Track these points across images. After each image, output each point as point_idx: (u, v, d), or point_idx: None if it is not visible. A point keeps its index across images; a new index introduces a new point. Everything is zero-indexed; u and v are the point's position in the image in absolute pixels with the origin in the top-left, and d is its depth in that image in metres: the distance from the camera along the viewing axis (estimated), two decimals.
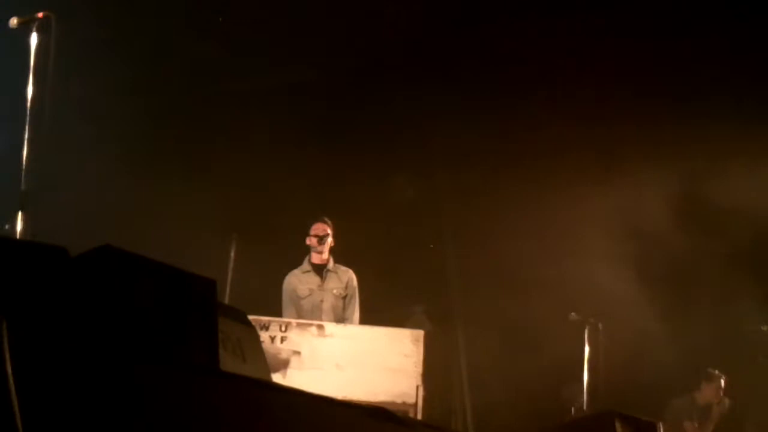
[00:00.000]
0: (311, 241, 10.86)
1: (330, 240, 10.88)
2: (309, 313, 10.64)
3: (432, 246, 14.44)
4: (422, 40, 13.60)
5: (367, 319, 10.84)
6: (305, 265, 10.96)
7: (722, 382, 12.76)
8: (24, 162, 7.51)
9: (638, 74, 13.40)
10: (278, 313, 10.47)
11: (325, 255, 10.88)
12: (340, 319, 10.69)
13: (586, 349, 12.12)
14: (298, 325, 9.75)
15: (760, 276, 13.40)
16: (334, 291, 10.83)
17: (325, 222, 10.91)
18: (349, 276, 10.92)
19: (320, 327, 9.75)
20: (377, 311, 11.23)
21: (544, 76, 13.52)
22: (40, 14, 7.72)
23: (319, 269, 10.90)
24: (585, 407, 11.94)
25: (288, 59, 13.53)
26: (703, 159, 12.93)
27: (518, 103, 13.48)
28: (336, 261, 10.96)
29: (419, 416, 9.35)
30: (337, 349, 9.59)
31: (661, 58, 13.41)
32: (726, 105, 12.84)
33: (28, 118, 7.61)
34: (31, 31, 7.75)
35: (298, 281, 10.89)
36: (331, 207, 11.86)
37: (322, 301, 10.77)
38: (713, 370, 12.80)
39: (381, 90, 13.61)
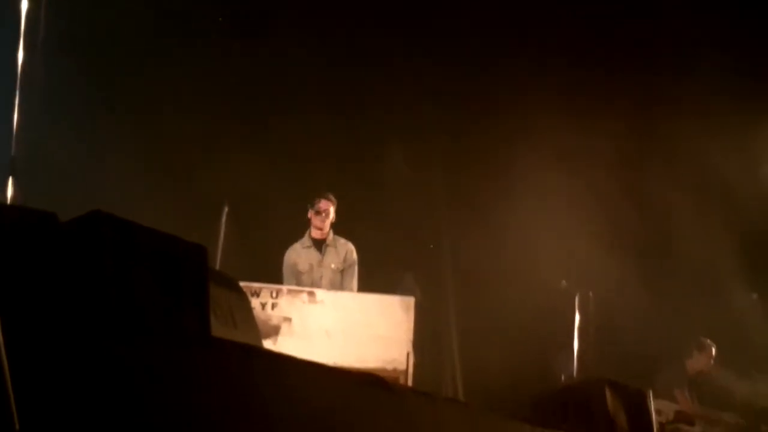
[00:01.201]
0: (313, 217, 10.85)
1: (332, 216, 10.89)
2: (308, 287, 10.65)
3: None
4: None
5: (358, 287, 10.85)
6: (306, 240, 10.96)
7: (713, 351, 12.79)
8: (14, 128, 7.49)
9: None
10: (270, 281, 10.46)
11: (326, 230, 10.89)
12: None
13: (577, 317, 12.15)
14: (289, 292, 9.75)
15: (750, 244, 13.44)
16: (332, 266, 10.84)
17: (329, 199, 10.90)
18: (347, 248, 10.93)
19: (311, 294, 9.74)
20: (368, 278, 11.23)
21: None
22: None
23: (319, 244, 10.90)
24: (575, 375, 11.97)
25: (279, 27, 13.50)
26: (695, 126, 12.93)
27: (508, 64, 13.50)
28: (335, 233, 10.96)
29: (410, 383, 9.37)
30: (328, 316, 9.59)
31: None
32: (710, 68, 12.91)
33: (18, 85, 7.59)
34: None
35: (298, 256, 10.90)
36: (321, 173, 11.85)
37: (321, 277, 10.78)
38: (705, 339, 12.82)
39: (375, 54, 13.59)
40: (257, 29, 13.48)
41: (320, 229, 10.85)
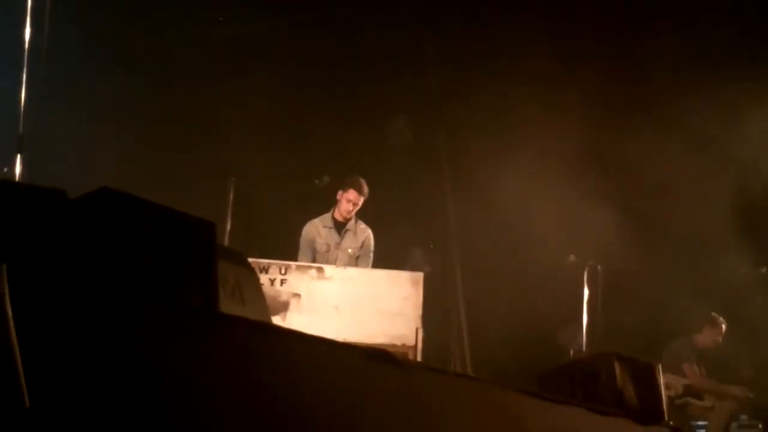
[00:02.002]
0: (343, 201, 10.87)
1: (360, 204, 10.95)
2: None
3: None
4: None
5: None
6: (327, 219, 11.00)
7: (723, 327, 12.80)
8: (22, 105, 7.49)
9: None
10: (278, 257, 10.49)
11: (351, 217, 10.95)
12: None
13: (585, 291, 12.15)
14: (298, 267, 9.77)
15: (759, 219, 13.42)
16: (349, 251, 10.90)
17: (363, 193, 10.92)
18: (366, 235, 11.00)
19: (320, 270, 9.76)
20: (377, 254, 11.24)
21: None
22: None
23: (340, 226, 10.94)
24: (584, 349, 11.98)
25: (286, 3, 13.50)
26: (703, 102, 12.91)
27: (510, 27, 13.52)
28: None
29: (419, 358, 9.39)
30: (337, 292, 9.61)
31: None
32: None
33: (26, 61, 7.58)
34: None
35: (317, 234, 10.95)
36: (329, 147, 11.85)
37: (336, 259, 10.83)
38: (717, 315, 12.83)
39: (378, 26, 13.58)
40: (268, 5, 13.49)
41: (347, 214, 10.91)
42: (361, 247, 10.96)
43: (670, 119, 13.17)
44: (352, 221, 10.99)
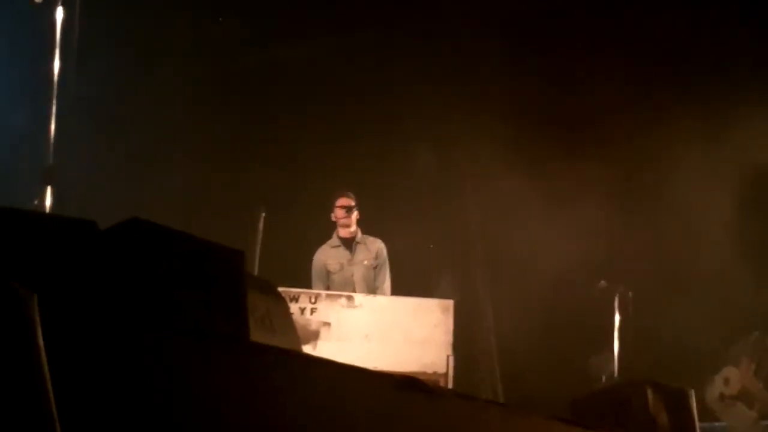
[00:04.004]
0: (338, 214, 10.89)
1: (356, 212, 10.91)
2: (340, 287, 10.67)
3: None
4: None
5: (395, 290, 10.86)
6: (334, 240, 10.99)
7: None
8: (51, 137, 7.53)
9: None
10: (308, 286, 10.50)
11: (353, 227, 10.92)
12: (372, 289, 10.72)
13: (617, 317, 12.09)
14: (328, 296, 9.77)
15: None
16: (365, 262, 10.87)
17: (348, 196, 10.95)
18: (378, 246, 10.95)
19: (349, 298, 9.75)
20: (405, 282, 11.23)
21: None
22: None
23: (348, 243, 10.93)
24: (616, 376, 11.92)
25: (307, 29, 13.54)
26: (741, 125, 12.89)
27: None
28: (364, 232, 11.00)
29: (450, 386, 9.36)
30: (367, 320, 9.59)
31: None
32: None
33: (55, 93, 7.62)
34: (55, 6, 7.75)
35: (328, 256, 10.93)
36: (357, 178, 11.86)
37: (352, 274, 10.81)
38: None
39: (403, 54, 13.61)
40: (290, 32, 13.53)
41: (347, 226, 10.89)
42: (376, 257, 10.94)
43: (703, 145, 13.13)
44: (359, 235, 10.98)
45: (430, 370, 9.40)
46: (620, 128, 13.38)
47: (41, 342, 2.56)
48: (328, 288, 10.70)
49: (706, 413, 11.49)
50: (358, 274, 10.81)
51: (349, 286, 10.72)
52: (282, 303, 4.69)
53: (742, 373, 12.23)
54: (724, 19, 13.49)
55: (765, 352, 12.46)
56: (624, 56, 13.73)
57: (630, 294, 12.16)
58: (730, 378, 12.14)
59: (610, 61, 13.59)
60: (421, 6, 13.76)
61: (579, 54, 13.70)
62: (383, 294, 10.68)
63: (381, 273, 10.90)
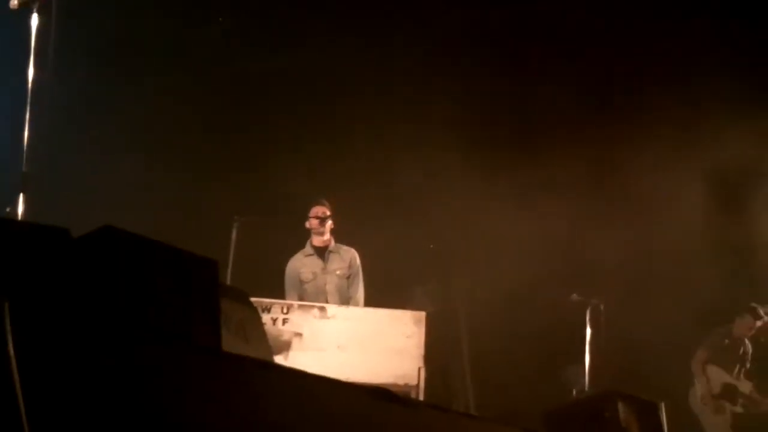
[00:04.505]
0: (312, 223, 10.87)
1: (330, 222, 10.90)
2: (313, 296, 10.65)
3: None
4: None
5: (368, 301, 10.85)
6: (307, 249, 10.97)
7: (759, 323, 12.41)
8: (25, 144, 7.50)
9: None
10: (280, 296, 10.48)
11: (327, 236, 10.90)
12: (346, 298, 10.70)
13: (588, 330, 12.12)
14: (300, 306, 9.76)
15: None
16: (338, 272, 10.84)
17: (323, 204, 10.93)
18: (351, 255, 10.94)
19: (322, 309, 9.75)
20: (378, 293, 11.22)
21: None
22: None
23: (321, 252, 10.91)
24: (587, 388, 11.94)
25: (286, 42, 13.53)
26: (707, 131, 12.95)
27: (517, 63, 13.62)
28: (337, 241, 10.99)
29: (421, 398, 9.36)
30: (339, 331, 9.58)
31: None
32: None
33: (29, 100, 7.59)
34: (31, 13, 7.72)
35: (302, 265, 10.90)
36: (331, 187, 11.85)
37: (326, 283, 10.79)
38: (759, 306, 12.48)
39: (383, 63, 13.62)
40: (270, 36, 13.53)
41: (321, 235, 10.88)
42: (350, 266, 10.92)
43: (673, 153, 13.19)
44: (333, 244, 10.96)
45: (401, 382, 9.40)
46: (588, 139, 13.43)
47: (11, 348, 2.55)
48: (301, 297, 10.68)
49: (678, 425, 11.49)
50: (331, 284, 10.79)
51: (321, 295, 10.70)
52: (255, 313, 4.70)
53: (721, 369, 12.23)
54: (691, 21, 13.60)
55: (721, 345, 12.45)
56: (600, 59, 13.79)
57: (602, 306, 12.18)
58: (711, 378, 12.16)
59: (586, 65, 13.66)
60: (401, 12, 13.77)
61: (552, 58, 13.74)
62: (357, 303, 10.67)
63: (354, 283, 10.88)
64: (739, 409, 12.11)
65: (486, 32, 13.96)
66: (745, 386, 12.15)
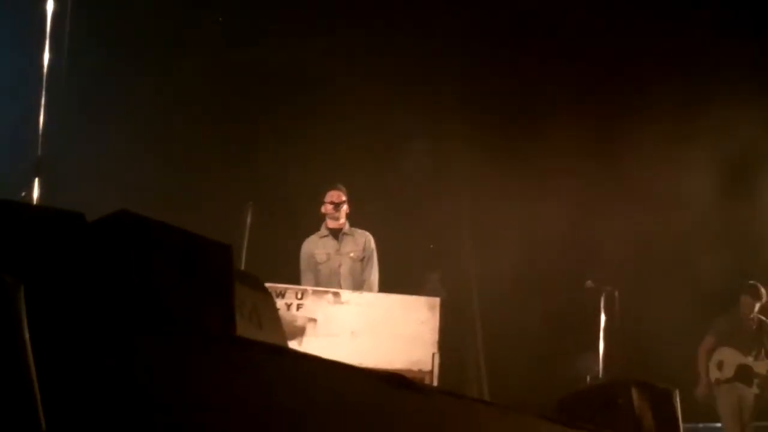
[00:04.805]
0: (326, 208, 10.86)
1: (345, 206, 10.89)
2: (327, 278, 10.65)
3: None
4: None
5: (382, 287, 10.84)
6: (322, 230, 10.97)
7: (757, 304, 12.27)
8: (40, 128, 7.51)
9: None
10: (294, 281, 10.47)
11: (342, 220, 10.89)
12: (359, 282, 10.68)
13: (602, 317, 12.10)
14: (314, 292, 9.74)
15: None
16: (351, 254, 10.83)
17: (339, 189, 10.91)
18: (366, 238, 10.92)
19: (336, 294, 9.73)
20: (392, 279, 11.22)
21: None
22: None
23: (336, 233, 10.90)
24: (601, 376, 11.93)
25: (295, 27, 13.54)
26: (713, 120, 12.93)
27: (534, 53, 13.59)
28: (352, 225, 10.98)
29: (435, 383, 9.35)
30: (353, 317, 9.57)
31: None
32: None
33: (44, 85, 7.60)
34: None
35: (315, 246, 10.90)
36: (346, 173, 11.85)
37: (340, 265, 10.77)
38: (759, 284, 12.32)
39: (392, 53, 13.62)
40: (279, 29, 13.52)
41: (336, 219, 10.87)
42: (364, 249, 10.91)
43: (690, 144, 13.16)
44: (347, 227, 10.96)
45: (415, 368, 9.39)
46: (595, 128, 13.43)
47: (26, 332, 2.55)
48: (316, 278, 10.68)
49: (692, 413, 11.47)
50: (345, 266, 10.78)
51: (335, 276, 10.69)
52: (269, 299, 4.69)
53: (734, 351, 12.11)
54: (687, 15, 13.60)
55: (730, 328, 12.31)
56: (613, 52, 13.79)
57: (616, 294, 12.16)
58: (724, 360, 12.08)
59: (603, 59, 13.66)
60: (410, 6, 13.78)
61: (553, 50, 13.75)
62: (371, 287, 10.66)
63: (369, 266, 10.87)
64: (755, 390, 11.99)
65: (486, 25, 13.96)
66: (762, 366, 12.03)
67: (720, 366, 12.14)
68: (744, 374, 11.97)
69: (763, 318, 12.20)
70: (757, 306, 12.12)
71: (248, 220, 11.10)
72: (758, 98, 13.01)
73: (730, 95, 12.86)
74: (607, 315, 12.13)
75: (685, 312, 12.84)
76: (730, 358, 12.05)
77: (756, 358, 12.02)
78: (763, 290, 12.10)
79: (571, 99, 13.60)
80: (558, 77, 13.52)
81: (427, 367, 9.47)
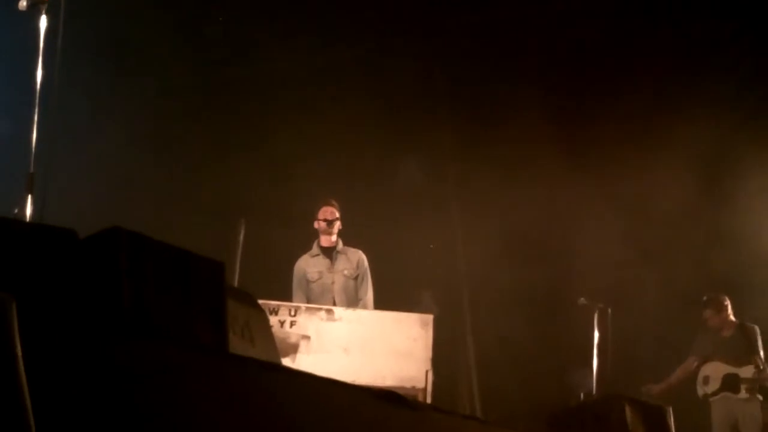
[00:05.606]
0: (319, 225, 10.85)
1: (338, 223, 10.88)
2: (319, 296, 10.63)
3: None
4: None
5: (375, 304, 10.83)
6: (314, 249, 10.96)
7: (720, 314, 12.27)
8: (33, 145, 7.50)
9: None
10: (287, 298, 10.47)
11: (334, 237, 10.88)
12: (353, 299, 10.67)
13: (596, 334, 12.09)
14: (308, 309, 9.73)
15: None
16: (345, 272, 10.81)
17: (332, 205, 10.90)
18: (359, 256, 10.90)
19: (329, 311, 9.72)
20: (385, 297, 11.21)
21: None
22: None
23: (329, 252, 10.89)
24: (594, 392, 11.92)
25: (289, 41, 13.55)
26: (715, 144, 12.95)
27: (528, 68, 13.61)
28: (345, 244, 10.97)
29: (428, 400, 9.34)
30: (346, 334, 9.56)
31: None
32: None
33: (37, 101, 7.59)
34: (39, 14, 7.73)
35: (307, 265, 10.88)
36: (338, 189, 11.85)
37: (332, 282, 10.75)
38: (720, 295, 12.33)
39: (386, 70, 13.64)
40: (273, 43, 13.53)
41: (329, 235, 10.85)
42: (357, 267, 10.89)
43: (679, 163, 13.17)
44: (340, 245, 10.94)
45: (408, 385, 9.38)
46: (597, 143, 13.46)
47: (18, 346, 2.55)
48: (308, 297, 10.66)
49: (686, 430, 11.44)
50: (338, 283, 10.76)
51: (328, 293, 10.67)
52: (261, 315, 4.69)
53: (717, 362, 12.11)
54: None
55: (706, 344, 12.31)
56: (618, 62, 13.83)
57: (609, 310, 12.16)
58: (710, 375, 12.08)
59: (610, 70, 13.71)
60: (407, 19, 13.80)
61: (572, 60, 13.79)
62: (366, 306, 10.64)
63: (363, 284, 10.85)
64: (743, 395, 11.97)
65: (475, 28, 14.00)
66: (747, 371, 12.01)
67: (706, 381, 12.12)
68: (730, 383, 11.96)
69: (739, 321, 12.21)
70: (725, 314, 12.13)
71: (241, 236, 11.09)
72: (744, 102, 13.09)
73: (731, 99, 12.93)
74: (600, 331, 12.12)
75: (678, 328, 12.84)
76: (714, 371, 12.04)
77: (741, 364, 12.01)
78: (722, 297, 12.13)
79: (570, 117, 13.62)
80: (555, 87, 13.55)
81: (421, 384, 9.46)
